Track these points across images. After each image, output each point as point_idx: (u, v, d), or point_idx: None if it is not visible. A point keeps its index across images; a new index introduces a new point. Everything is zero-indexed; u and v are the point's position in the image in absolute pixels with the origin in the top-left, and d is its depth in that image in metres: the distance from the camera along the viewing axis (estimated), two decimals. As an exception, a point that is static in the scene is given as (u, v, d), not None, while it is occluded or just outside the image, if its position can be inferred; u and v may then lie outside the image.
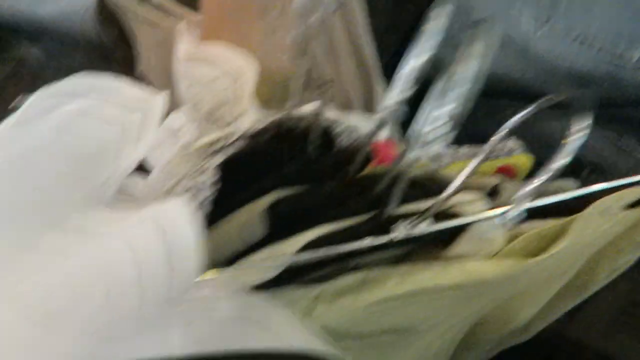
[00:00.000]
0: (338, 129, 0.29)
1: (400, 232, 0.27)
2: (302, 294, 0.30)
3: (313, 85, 0.27)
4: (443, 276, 0.30)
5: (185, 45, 0.39)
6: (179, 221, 0.18)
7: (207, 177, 0.25)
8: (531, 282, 0.33)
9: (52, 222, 0.17)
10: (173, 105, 0.37)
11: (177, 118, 0.38)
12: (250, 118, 0.32)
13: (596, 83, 0.45)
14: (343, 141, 0.29)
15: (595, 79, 0.46)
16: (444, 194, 0.27)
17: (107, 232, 0.18)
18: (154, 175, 0.39)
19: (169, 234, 0.18)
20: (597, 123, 0.24)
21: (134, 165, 0.25)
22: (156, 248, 0.17)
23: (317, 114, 0.28)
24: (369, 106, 0.41)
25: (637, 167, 0.49)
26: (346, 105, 0.40)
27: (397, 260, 0.33)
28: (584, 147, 0.24)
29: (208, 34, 0.39)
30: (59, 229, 0.17)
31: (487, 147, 0.26)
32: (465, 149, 0.41)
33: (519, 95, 0.46)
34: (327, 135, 0.28)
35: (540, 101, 0.23)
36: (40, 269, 0.15)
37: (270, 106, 0.35)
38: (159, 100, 0.27)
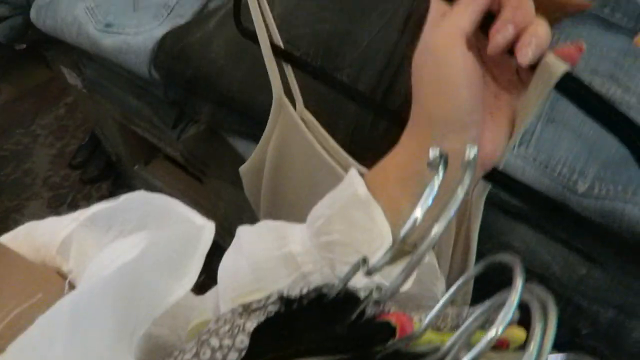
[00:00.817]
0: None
1: None
2: None
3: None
4: None
5: (350, 185, 0.40)
6: None
7: (241, 339, 0.27)
8: None
9: None
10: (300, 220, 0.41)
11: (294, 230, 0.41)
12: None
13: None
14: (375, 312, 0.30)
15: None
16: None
17: None
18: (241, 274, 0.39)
19: None
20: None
21: (175, 301, 0.26)
22: None
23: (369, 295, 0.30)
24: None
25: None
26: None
27: None
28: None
29: (372, 188, 0.39)
30: None
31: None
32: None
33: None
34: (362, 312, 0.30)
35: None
36: None
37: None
38: (208, 231, 0.28)
